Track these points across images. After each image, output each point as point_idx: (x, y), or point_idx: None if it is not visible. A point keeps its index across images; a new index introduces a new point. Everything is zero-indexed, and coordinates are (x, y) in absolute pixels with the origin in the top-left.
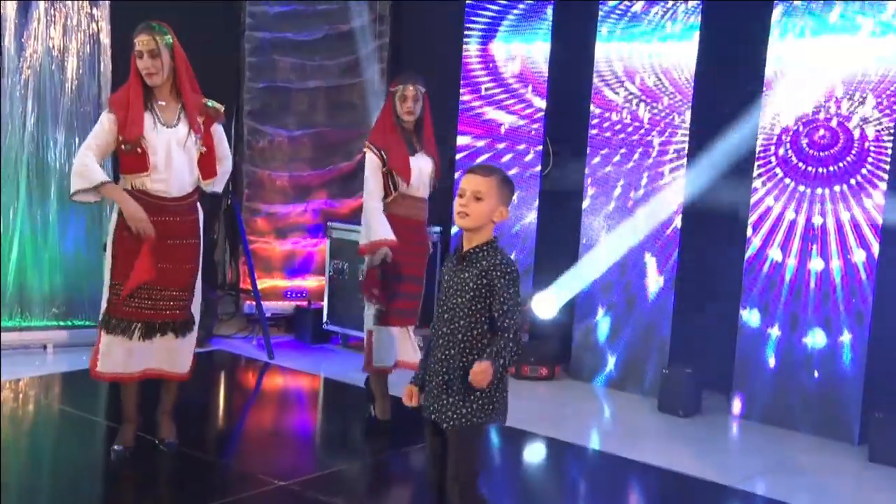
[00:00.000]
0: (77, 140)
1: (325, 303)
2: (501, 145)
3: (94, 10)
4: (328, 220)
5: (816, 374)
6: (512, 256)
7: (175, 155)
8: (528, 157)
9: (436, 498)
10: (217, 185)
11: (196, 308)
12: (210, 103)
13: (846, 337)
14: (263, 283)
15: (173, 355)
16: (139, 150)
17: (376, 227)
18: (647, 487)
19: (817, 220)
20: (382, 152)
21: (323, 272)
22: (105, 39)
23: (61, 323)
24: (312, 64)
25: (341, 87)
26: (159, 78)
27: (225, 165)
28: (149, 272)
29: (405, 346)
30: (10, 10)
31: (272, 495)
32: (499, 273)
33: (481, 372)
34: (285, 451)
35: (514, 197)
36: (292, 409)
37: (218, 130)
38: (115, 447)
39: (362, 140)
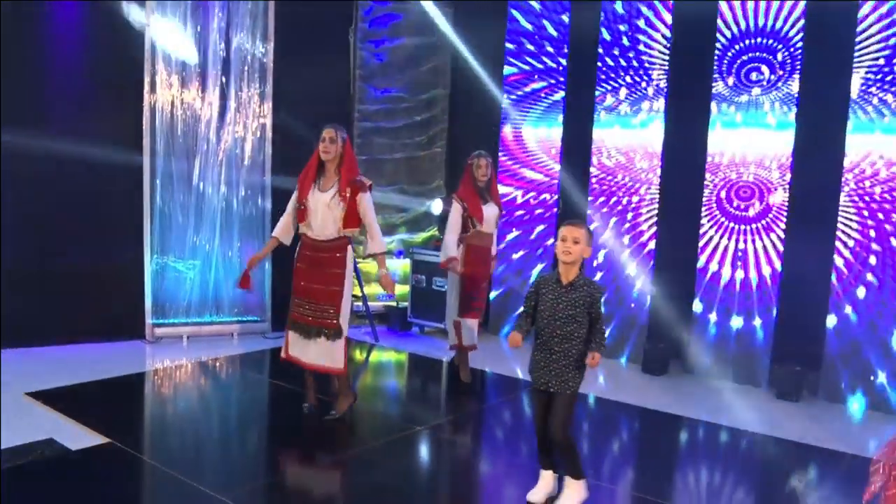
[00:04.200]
0: (251, 199)
1: (409, 303)
2: (530, 195)
3: (264, 107)
4: (411, 248)
5: (739, 345)
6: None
7: (320, 212)
8: (550, 202)
9: (541, 439)
10: (371, 246)
11: (344, 320)
12: (358, 178)
13: (757, 321)
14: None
15: (327, 354)
16: (302, 206)
17: (450, 249)
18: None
19: (741, 245)
20: (464, 203)
21: (403, 282)
22: (268, 132)
23: (241, 318)
24: (398, 142)
25: (417, 157)
26: (330, 156)
27: (376, 231)
28: (320, 293)
29: (473, 332)
30: (214, 115)
31: (417, 435)
32: (598, 297)
33: (596, 359)
34: (410, 405)
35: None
36: (397, 375)
37: (363, 198)
38: (305, 405)
39: (432, 193)
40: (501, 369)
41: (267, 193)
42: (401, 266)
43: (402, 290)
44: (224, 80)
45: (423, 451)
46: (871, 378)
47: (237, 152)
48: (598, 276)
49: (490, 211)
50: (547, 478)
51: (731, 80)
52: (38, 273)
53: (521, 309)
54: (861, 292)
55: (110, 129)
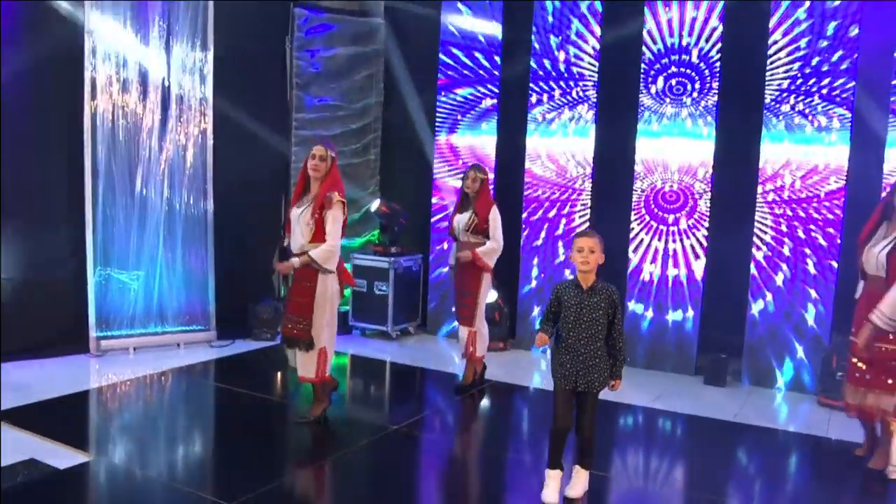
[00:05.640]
0: (195, 207)
1: (349, 307)
2: None
3: (204, 114)
4: (350, 253)
5: (672, 337)
6: None
7: (295, 226)
8: None
9: (561, 437)
10: (320, 259)
11: (319, 334)
12: (328, 194)
13: (692, 312)
14: None
15: (302, 364)
16: (287, 221)
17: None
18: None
19: (671, 246)
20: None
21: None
22: (210, 139)
23: (187, 328)
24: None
25: (352, 164)
26: (319, 174)
27: (328, 242)
28: (292, 306)
29: (460, 338)
30: (156, 123)
31: (393, 436)
32: (616, 299)
33: (617, 386)
34: (373, 407)
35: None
36: (360, 378)
37: (327, 213)
38: (304, 416)
39: (367, 199)
40: (439, 366)
41: (209, 201)
42: None
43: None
44: (165, 86)
45: (404, 451)
46: (788, 362)
47: (179, 160)
48: (534, 283)
49: (458, 219)
50: (556, 477)
51: (654, 89)
52: None
53: (544, 316)
54: (777, 283)
55: (49, 137)
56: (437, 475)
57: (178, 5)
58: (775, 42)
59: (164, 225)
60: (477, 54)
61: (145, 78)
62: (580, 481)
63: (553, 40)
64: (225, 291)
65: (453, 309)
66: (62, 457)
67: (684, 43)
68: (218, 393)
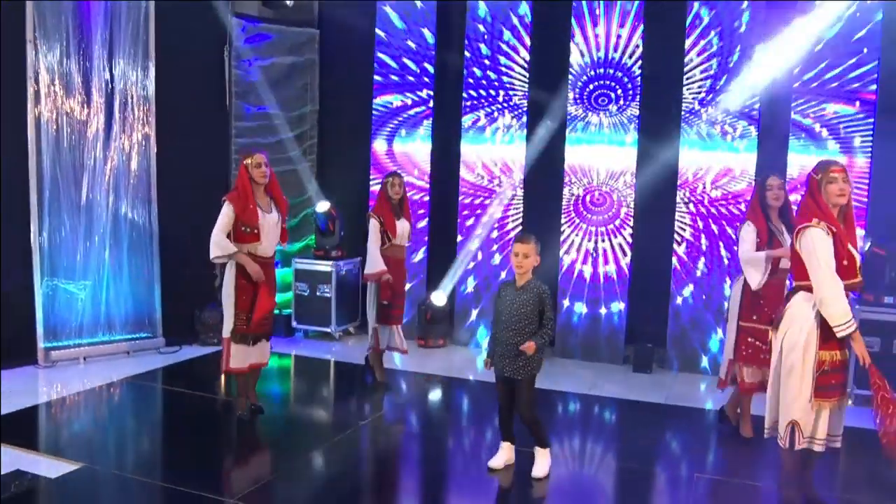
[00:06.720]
0: (140, 213)
1: (292, 310)
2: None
3: (147, 122)
4: (293, 257)
5: (604, 329)
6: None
7: (271, 231)
8: (420, 212)
9: (502, 416)
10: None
11: None
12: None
13: (620, 306)
14: None
15: (262, 352)
16: (255, 230)
17: (378, 262)
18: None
19: (601, 245)
20: (381, 218)
21: (286, 290)
22: (153, 146)
23: (135, 336)
24: (273, 157)
25: (286, 171)
26: (266, 180)
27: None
28: (270, 303)
29: (395, 336)
30: (101, 132)
31: (364, 429)
32: (545, 295)
33: (529, 346)
34: (333, 406)
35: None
36: (302, 379)
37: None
38: (252, 405)
39: (301, 203)
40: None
41: (153, 208)
42: (281, 275)
43: (285, 297)
44: (108, 93)
45: (380, 443)
46: (711, 347)
47: (123, 168)
48: (473, 284)
49: (403, 226)
50: (506, 448)
51: (577, 97)
52: None
53: (494, 316)
54: (696, 274)
55: None
56: (414, 464)
57: (121, 10)
58: (691, 61)
59: (109, 233)
60: (410, 62)
61: (88, 85)
62: (542, 462)
63: (484, 49)
64: (171, 298)
65: (376, 312)
66: (47, 466)
67: (609, 57)
68: (178, 398)
